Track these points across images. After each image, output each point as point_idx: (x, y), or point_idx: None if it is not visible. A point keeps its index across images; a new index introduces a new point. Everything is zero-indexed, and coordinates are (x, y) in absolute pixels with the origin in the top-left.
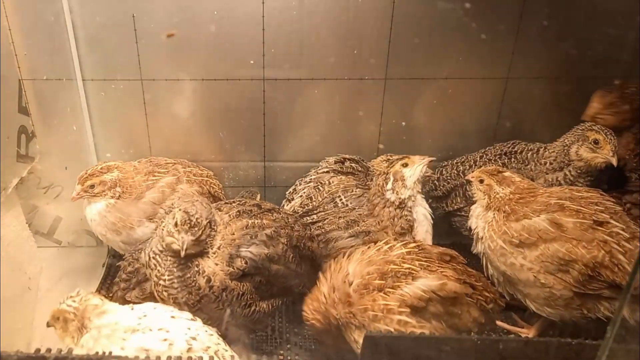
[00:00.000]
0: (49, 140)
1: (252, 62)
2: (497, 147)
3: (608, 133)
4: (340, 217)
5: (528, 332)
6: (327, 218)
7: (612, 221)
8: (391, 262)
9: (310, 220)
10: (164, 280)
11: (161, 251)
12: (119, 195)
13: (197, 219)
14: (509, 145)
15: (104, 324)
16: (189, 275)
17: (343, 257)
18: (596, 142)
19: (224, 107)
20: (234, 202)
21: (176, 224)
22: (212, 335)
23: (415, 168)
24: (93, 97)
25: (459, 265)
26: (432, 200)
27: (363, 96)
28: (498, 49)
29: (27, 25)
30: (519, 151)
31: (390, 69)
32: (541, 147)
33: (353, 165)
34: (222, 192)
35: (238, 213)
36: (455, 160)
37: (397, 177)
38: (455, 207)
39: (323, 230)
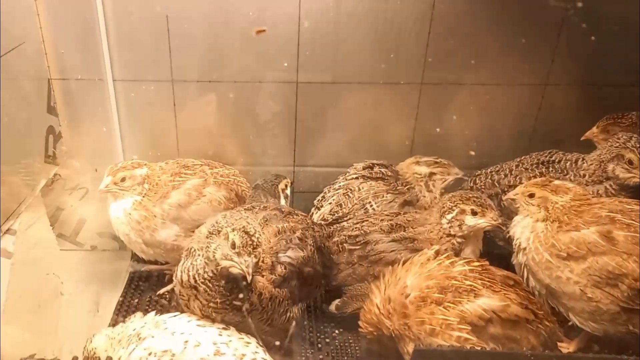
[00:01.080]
0: (77, 141)
1: (285, 64)
2: (534, 156)
3: None
4: (383, 219)
5: (568, 347)
6: (367, 220)
7: None
8: (452, 277)
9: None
10: (216, 303)
11: (211, 277)
12: (146, 193)
13: (257, 238)
14: (545, 154)
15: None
16: (241, 295)
17: (399, 267)
18: (631, 162)
19: (255, 110)
20: (254, 207)
21: (234, 246)
22: (249, 343)
23: (480, 223)
24: (123, 97)
25: (522, 291)
26: None
27: (398, 101)
28: (537, 55)
29: (59, 25)
30: (556, 160)
31: (427, 73)
32: (579, 158)
33: (382, 170)
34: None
35: (265, 219)
36: (489, 169)
37: (459, 217)
38: None
39: (362, 231)
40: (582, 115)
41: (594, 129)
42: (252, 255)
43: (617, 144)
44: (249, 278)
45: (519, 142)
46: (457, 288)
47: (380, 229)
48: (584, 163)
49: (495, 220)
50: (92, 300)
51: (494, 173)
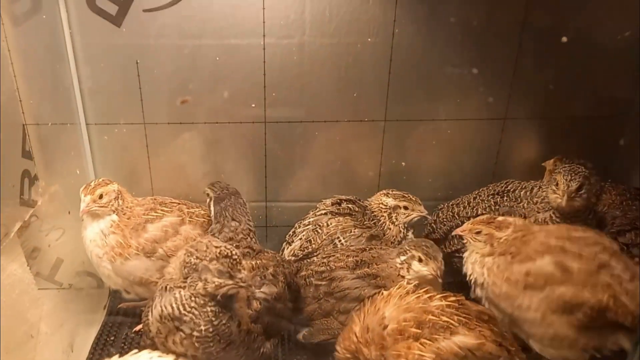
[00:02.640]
0: (52, 184)
1: (253, 105)
2: (490, 187)
3: (567, 173)
4: (349, 255)
5: None
6: (334, 255)
7: (612, 263)
8: (430, 312)
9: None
10: (200, 331)
11: (202, 305)
12: (120, 210)
13: (236, 254)
14: (501, 184)
15: None
16: (224, 321)
17: (379, 297)
18: (557, 183)
19: (226, 149)
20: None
21: (222, 273)
22: None
23: (422, 270)
24: (96, 140)
25: (496, 326)
26: None
27: (363, 137)
28: (495, 90)
29: (31, 72)
30: (512, 190)
31: (389, 110)
32: (535, 186)
33: (350, 206)
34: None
35: None
36: (450, 203)
37: (409, 261)
38: (454, 248)
39: (328, 267)
40: (543, 147)
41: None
42: (240, 271)
43: (558, 169)
44: (248, 290)
45: (483, 176)
46: (434, 324)
47: (346, 265)
48: (539, 190)
49: (434, 272)
50: (67, 340)
51: (454, 206)
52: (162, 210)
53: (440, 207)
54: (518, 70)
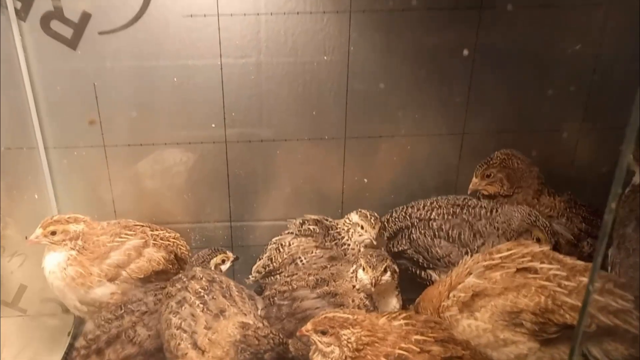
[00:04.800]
0: (11, 208)
1: (213, 125)
2: (451, 198)
3: (549, 232)
4: (310, 274)
5: None
6: (297, 274)
7: (539, 265)
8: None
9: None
10: None
11: None
12: (80, 249)
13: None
14: (461, 198)
15: None
16: None
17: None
18: (539, 239)
19: (188, 170)
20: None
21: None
22: None
23: (363, 278)
24: (56, 164)
25: (444, 331)
26: None
27: (324, 155)
28: (452, 105)
29: None
30: (471, 206)
31: (349, 128)
32: (494, 208)
33: (311, 227)
34: (189, 254)
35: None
36: (406, 205)
37: (356, 271)
38: (400, 248)
39: (290, 287)
40: None
41: (475, 179)
42: None
43: (528, 220)
44: None
45: (446, 191)
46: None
47: (307, 284)
48: (497, 216)
49: (374, 279)
50: None
51: (409, 207)
52: (126, 234)
53: (395, 209)
54: (473, 86)
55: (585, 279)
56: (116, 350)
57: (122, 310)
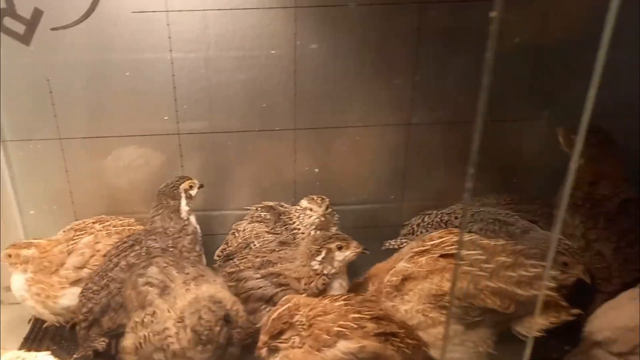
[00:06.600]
0: None
1: (166, 118)
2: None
3: (575, 253)
4: (257, 256)
5: None
6: (246, 257)
7: (463, 251)
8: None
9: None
10: None
11: None
12: (33, 271)
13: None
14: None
15: None
16: None
17: None
18: (565, 264)
19: (144, 162)
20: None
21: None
22: None
23: (347, 254)
24: (13, 157)
25: (380, 310)
26: None
27: (275, 146)
28: (398, 96)
29: None
30: (508, 222)
31: (298, 119)
32: (524, 229)
33: (262, 214)
34: None
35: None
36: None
37: (328, 257)
38: None
39: (237, 268)
40: (449, 151)
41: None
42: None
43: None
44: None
45: (395, 179)
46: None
47: (253, 265)
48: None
49: (358, 248)
50: None
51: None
52: (78, 236)
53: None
54: (418, 78)
55: (503, 258)
56: (112, 318)
57: (105, 280)
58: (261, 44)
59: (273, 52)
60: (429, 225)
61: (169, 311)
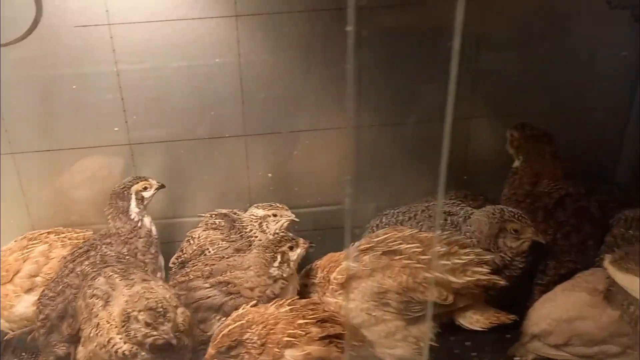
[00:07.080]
0: None
1: (116, 129)
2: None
3: (521, 218)
4: (207, 264)
5: None
6: (197, 265)
7: (403, 246)
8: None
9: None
10: None
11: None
12: None
13: (162, 305)
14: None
15: None
16: None
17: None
18: (515, 230)
19: (97, 174)
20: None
21: (149, 325)
22: None
23: (299, 252)
24: None
25: (323, 311)
26: None
27: (227, 153)
28: (344, 101)
29: None
30: (452, 212)
31: (247, 125)
32: (466, 215)
33: (217, 221)
34: None
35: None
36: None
37: (284, 260)
38: None
39: (187, 277)
40: (394, 154)
41: None
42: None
43: (495, 219)
44: (175, 341)
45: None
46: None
47: (202, 274)
48: (468, 225)
49: (305, 244)
50: None
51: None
52: (32, 245)
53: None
54: (363, 82)
55: (437, 248)
56: (70, 324)
57: (61, 286)
58: (205, 53)
59: (218, 60)
60: (387, 226)
61: (108, 322)
